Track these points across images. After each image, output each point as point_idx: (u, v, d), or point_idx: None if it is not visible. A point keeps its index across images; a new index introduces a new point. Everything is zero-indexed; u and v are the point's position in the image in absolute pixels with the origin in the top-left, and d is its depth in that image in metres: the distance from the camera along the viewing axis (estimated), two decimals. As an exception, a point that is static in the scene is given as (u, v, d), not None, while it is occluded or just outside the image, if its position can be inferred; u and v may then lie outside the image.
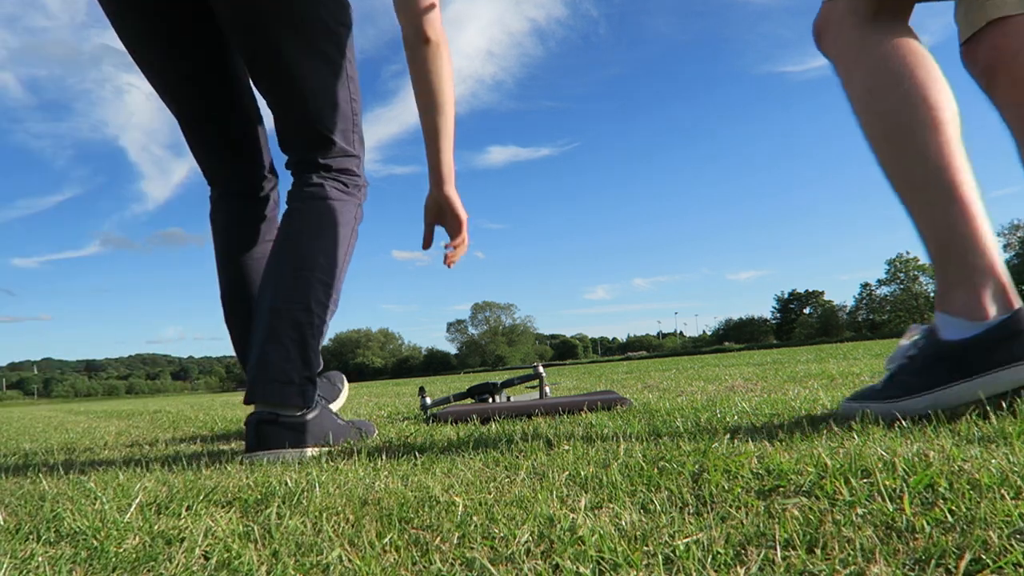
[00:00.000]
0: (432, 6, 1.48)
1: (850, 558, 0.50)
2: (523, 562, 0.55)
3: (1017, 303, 0.99)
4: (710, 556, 0.53)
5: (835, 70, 1.20)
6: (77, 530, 0.75)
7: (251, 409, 1.36)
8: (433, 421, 1.75)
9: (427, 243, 1.56)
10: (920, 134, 1.06)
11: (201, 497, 0.89)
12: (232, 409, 4.14)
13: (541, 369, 2.04)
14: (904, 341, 1.14)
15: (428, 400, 2.07)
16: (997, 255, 1.03)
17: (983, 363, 0.96)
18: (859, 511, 0.60)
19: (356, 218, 1.52)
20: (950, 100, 1.09)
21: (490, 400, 2.00)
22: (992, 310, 0.97)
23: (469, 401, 2.05)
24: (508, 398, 2.05)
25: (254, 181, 1.67)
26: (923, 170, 1.06)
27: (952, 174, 1.05)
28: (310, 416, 1.35)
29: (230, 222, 1.67)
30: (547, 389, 2.03)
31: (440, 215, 1.54)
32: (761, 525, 0.59)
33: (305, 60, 1.40)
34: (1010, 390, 0.96)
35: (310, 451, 1.32)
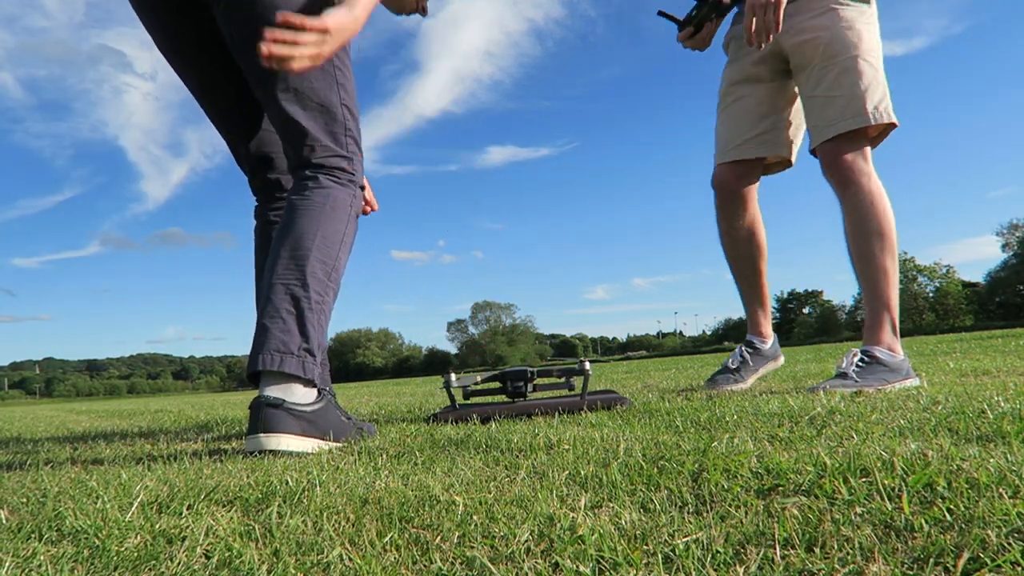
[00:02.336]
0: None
1: (849, 557, 0.50)
2: (523, 561, 0.55)
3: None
4: (710, 555, 0.53)
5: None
6: (79, 529, 0.75)
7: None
8: (433, 421, 1.75)
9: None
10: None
11: (202, 496, 0.89)
12: (233, 408, 4.14)
13: (588, 366, 1.85)
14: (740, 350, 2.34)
15: (454, 377, 1.89)
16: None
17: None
18: (858, 510, 0.60)
19: (352, 205, 1.54)
20: None
21: (524, 386, 1.85)
22: (770, 337, 2.33)
23: (497, 395, 1.95)
24: (533, 387, 1.91)
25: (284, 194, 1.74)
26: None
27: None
28: (316, 407, 1.36)
29: (262, 235, 1.75)
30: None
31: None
32: (760, 524, 0.59)
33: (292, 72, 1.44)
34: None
35: (311, 444, 1.32)
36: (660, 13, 2.18)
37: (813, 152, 2.00)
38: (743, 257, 2.22)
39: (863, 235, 1.90)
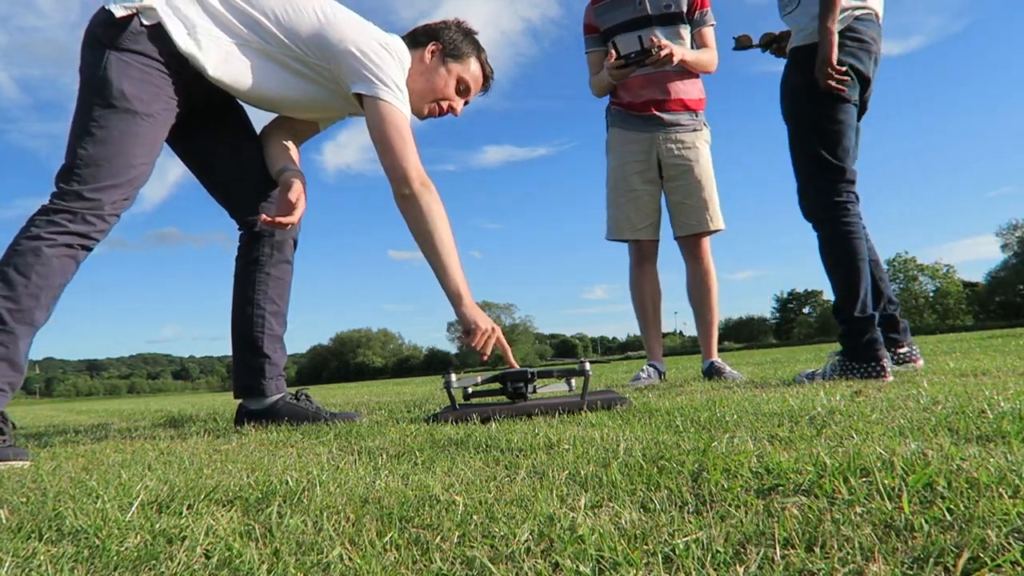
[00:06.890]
0: (405, 162, 1.80)
1: (849, 557, 0.50)
2: (523, 561, 0.55)
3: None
4: (710, 555, 0.53)
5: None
6: (79, 528, 0.75)
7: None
8: (433, 421, 1.74)
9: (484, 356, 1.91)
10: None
11: (202, 496, 0.89)
12: (233, 408, 4.13)
13: (588, 366, 1.85)
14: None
15: (454, 378, 1.90)
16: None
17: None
18: (858, 510, 0.60)
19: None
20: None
21: (524, 387, 1.85)
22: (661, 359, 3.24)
23: (498, 395, 1.95)
24: (534, 388, 1.91)
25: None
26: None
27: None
28: None
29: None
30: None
31: (467, 334, 1.86)
32: (760, 524, 0.59)
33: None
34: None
35: None
36: (623, 55, 2.85)
37: (678, 238, 3.04)
38: (650, 298, 3.11)
39: (709, 293, 3.02)
